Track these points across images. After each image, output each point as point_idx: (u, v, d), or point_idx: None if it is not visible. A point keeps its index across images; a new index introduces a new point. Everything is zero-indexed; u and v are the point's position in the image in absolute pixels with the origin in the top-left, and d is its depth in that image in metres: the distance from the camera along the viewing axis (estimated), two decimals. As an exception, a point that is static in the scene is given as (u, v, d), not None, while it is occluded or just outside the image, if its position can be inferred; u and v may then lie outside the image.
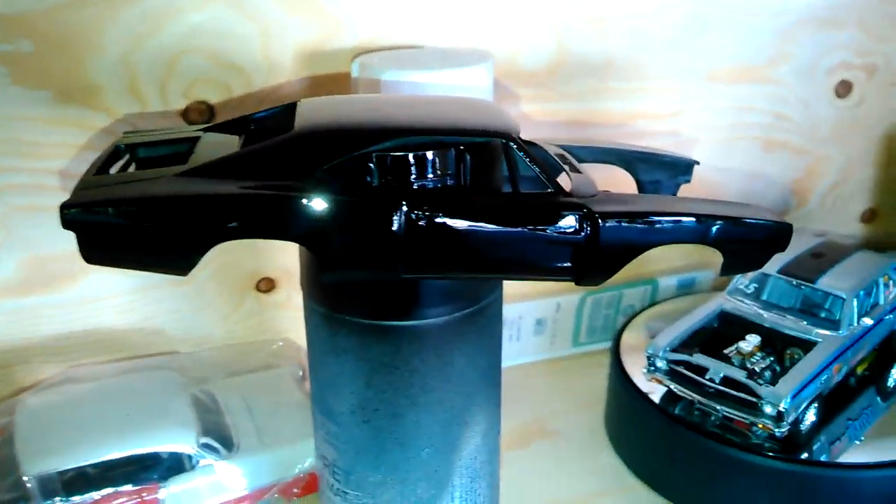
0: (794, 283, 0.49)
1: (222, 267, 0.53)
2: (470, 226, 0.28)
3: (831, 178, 0.65)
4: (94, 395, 0.46)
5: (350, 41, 0.49)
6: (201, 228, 0.27)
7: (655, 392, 0.48)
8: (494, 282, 0.33)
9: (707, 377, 0.45)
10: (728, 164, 0.61)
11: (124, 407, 0.45)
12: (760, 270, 0.50)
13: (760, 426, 0.43)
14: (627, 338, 0.54)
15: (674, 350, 0.47)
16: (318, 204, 0.27)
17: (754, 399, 0.43)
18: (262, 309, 0.55)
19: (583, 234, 0.29)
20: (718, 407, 0.44)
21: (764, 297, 0.49)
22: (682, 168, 0.39)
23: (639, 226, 0.29)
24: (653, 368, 0.47)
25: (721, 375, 0.44)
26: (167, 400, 0.46)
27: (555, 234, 0.29)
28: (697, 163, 0.39)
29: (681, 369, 0.46)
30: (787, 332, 0.47)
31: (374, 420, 0.32)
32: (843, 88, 0.62)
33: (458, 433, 0.33)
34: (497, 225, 0.29)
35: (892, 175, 0.66)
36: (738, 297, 0.50)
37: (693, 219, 0.30)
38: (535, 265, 0.30)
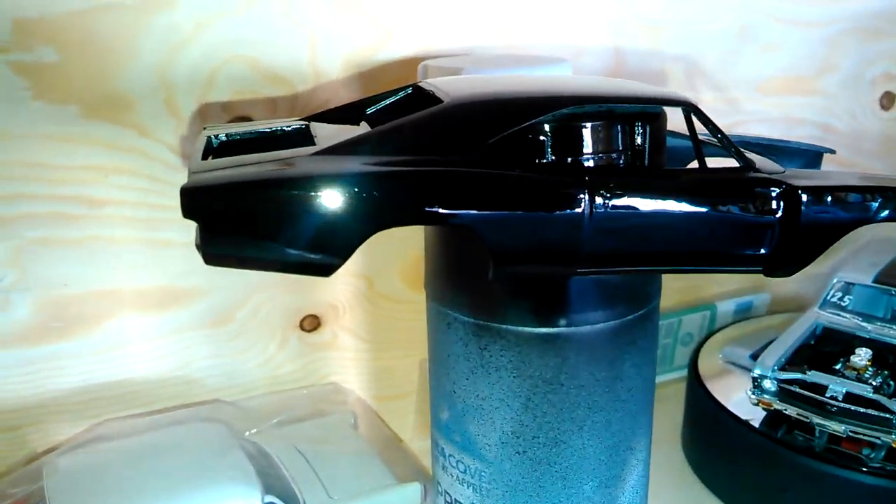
0: (893, 291, 0.45)
1: (262, 304, 0.47)
2: (663, 207, 0.24)
3: (878, 192, 0.63)
4: (135, 452, 0.39)
5: (400, 50, 0.45)
6: (370, 212, 0.22)
7: (754, 419, 0.44)
8: (660, 280, 0.28)
9: (828, 395, 0.41)
10: (778, 180, 0.59)
11: (172, 464, 0.39)
12: (852, 281, 0.47)
13: (895, 444, 0.39)
14: (704, 366, 0.50)
15: (782, 369, 0.43)
16: (499, 181, 0.23)
17: (888, 415, 0.39)
18: (307, 350, 0.49)
19: (781, 213, 0.25)
20: (842, 427, 0.40)
21: (860, 309, 0.46)
22: (811, 158, 0.36)
23: (845, 202, 0.26)
24: (759, 391, 0.43)
25: (843, 392, 0.40)
26: (220, 454, 0.40)
27: (754, 215, 0.25)
28: (832, 151, 0.36)
29: (794, 389, 0.42)
30: (896, 343, 0.43)
31: (531, 450, 0.27)
32: (887, 100, 0.60)
33: (624, 461, 0.28)
34: (693, 205, 0.24)
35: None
36: (831, 310, 0.47)
37: (898, 193, 0.26)
38: (726, 252, 0.25)
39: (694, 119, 0.26)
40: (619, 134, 0.25)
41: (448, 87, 0.26)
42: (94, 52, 0.40)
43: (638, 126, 0.25)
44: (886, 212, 0.26)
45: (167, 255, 0.44)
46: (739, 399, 0.45)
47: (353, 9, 0.43)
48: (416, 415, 0.52)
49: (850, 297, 0.46)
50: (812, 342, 0.46)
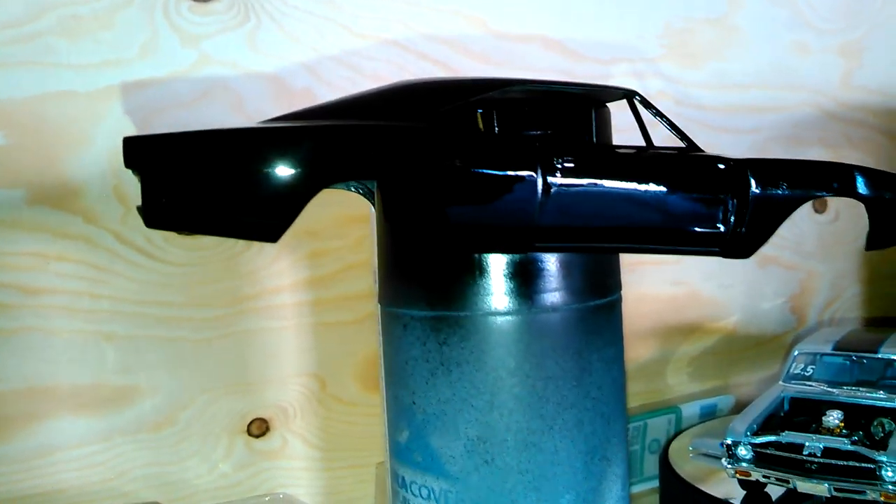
0: (854, 357, 0.45)
1: (207, 406, 0.44)
2: (615, 180, 0.24)
3: (824, 294, 0.64)
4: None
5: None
6: (318, 164, 0.21)
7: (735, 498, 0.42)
8: (618, 276, 0.28)
9: (805, 453, 0.39)
10: (727, 282, 0.60)
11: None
12: (813, 351, 0.47)
13: (883, 496, 0.37)
14: (675, 456, 0.48)
15: (755, 434, 0.41)
16: (449, 141, 0.23)
17: (871, 465, 0.37)
18: (255, 458, 0.45)
19: (732, 187, 0.25)
20: (825, 486, 0.38)
21: (825, 377, 0.45)
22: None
23: (789, 177, 0.26)
24: (734, 460, 0.41)
25: (821, 448, 0.39)
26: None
27: (705, 190, 0.25)
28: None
29: (770, 451, 0.40)
30: (867, 403, 0.42)
31: (499, 457, 0.25)
32: (820, 204, 0.63)
33: (601, 473, 0.26)
34: (644, 179, 0.24)
35: (880, 291, 0.66)
36: (796, 381, 0.46)
37: (841, 169, 0.27)
38: (681, 229, 0.25)
39: (638, 105, 0.27)
40: (567, 115, 0.25)
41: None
42: (46, 138, 0.40)
43: (585, 110, 0.26)
44: (829, 188, 0.26)
45: (107, 350, 0.42)
46: (715, 482, 0.43)
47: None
48: (374, 529, 0.48)
49: (814, 367, 0.46)
50: (781, 413, 0.44)
